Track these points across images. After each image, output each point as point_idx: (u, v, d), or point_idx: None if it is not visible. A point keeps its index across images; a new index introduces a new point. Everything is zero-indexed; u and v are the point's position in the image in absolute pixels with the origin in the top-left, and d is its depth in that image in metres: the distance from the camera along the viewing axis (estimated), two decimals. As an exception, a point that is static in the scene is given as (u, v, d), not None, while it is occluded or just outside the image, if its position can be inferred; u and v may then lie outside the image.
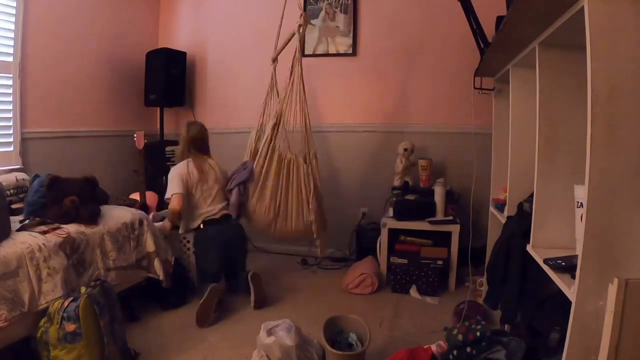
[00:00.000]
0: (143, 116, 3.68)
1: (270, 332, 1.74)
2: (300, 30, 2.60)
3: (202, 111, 3.79)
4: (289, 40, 2.78)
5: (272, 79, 2.98)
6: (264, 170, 2.57)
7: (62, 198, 2.00)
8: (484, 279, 2.29)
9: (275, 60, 2.98)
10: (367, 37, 3.32)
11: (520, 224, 1.64)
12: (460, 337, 1.62)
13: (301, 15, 2.58)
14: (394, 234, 2.84)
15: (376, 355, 1.92)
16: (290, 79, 2.56)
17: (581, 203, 1.15)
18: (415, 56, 3.21)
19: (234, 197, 2.59)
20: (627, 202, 0.95)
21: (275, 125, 2.57)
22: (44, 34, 2.79)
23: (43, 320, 1.64)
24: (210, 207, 2.54)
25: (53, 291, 1.72)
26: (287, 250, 3.51)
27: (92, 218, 2.06)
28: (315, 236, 2.65)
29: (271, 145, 2.57)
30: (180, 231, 2.62)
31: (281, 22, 2.85)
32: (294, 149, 2.68)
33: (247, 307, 2.47)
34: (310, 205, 2.57)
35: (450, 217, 2.79)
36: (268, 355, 1.70)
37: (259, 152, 2.64)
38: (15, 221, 1.91)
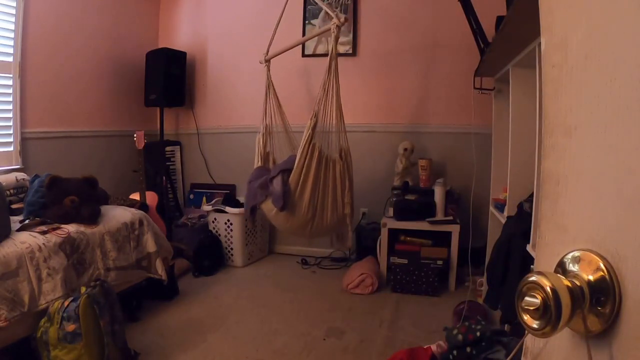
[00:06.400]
0: (143, 116, 3.68)
1: None
2: (336, 31, 2.54)
3: (202, 111, 3.79)
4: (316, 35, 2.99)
5: (267, 79, 2.94)
6: (304, 169, 2.55)
7: (62, 198, 2.00)
8: (484, 279, 2.29)
9: (267, 61, 2.93)
10: (367, 37, 3.32)
11: (520, 224, 1.64)
12: (460, 337, 1.63)
13: (344, 17, 2.57)
14: (394, 234, 2.83)
15: (376, 355, 1.92)
16: (327, 78, 2.54)
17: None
18: (415, 56, 3.21)
19: (278, 186, 2.52)
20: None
21: (315, 125, 2.54)
22: (44, 34, 2.79)
23: (43, 320, 1.64)
24: None
25: (53, 291, 1.73)
26: (288, 250, 3.52)
27: (92, 218, 2.06)
28: (349, 228, 2.65)
29: (311, 144, 2.54)
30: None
31: (277, 23, 2.82)
32: (327, 146, 2.66)
33: (247, 308, 2.47)
34: (346, 199, 2.58)
35: (450, 217, 2.79)
36: None
37: (299, 152, 2.62)
38: (15, 221, 1.91)
